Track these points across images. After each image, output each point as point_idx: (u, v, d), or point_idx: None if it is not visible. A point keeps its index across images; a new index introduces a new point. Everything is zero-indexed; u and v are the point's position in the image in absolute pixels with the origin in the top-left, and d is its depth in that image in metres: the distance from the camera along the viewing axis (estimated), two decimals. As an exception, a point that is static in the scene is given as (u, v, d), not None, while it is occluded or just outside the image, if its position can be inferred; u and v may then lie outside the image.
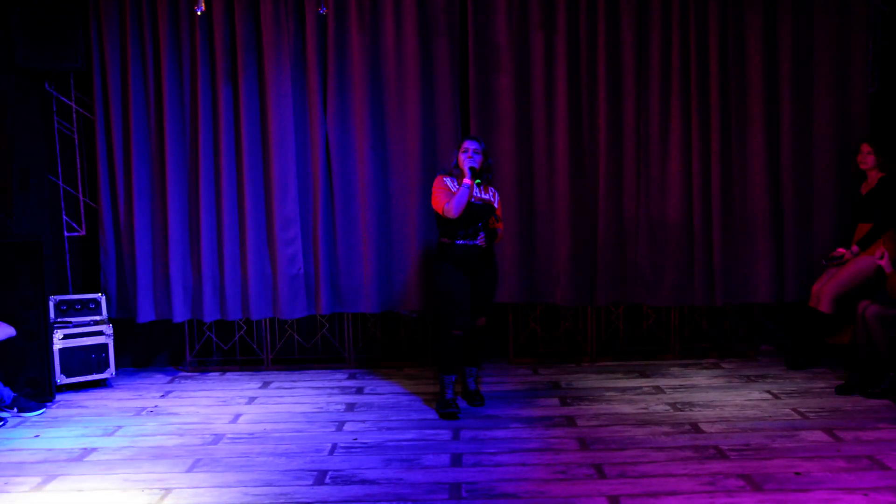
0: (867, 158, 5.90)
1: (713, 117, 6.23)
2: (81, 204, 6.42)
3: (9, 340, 5.34)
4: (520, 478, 4.07)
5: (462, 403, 5.33)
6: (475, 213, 5.11)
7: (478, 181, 5.09)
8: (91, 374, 5.98)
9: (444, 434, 4.77)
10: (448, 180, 5.18)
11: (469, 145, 5.17)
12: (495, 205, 5.27)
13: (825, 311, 5.86)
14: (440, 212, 5.10)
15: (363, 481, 4.08)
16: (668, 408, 5.23)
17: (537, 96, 6.25)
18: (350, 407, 5.41)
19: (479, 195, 5.20)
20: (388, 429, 4.90)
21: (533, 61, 6.22)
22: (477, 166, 5.10)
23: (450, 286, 5.12)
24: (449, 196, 5.08)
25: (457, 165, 5.17)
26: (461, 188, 5.05)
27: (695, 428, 4.80)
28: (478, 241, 5.15)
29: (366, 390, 5.83)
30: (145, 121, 6.21)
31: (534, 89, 6.24)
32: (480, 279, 5.21)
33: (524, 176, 6.31)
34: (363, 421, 5.07)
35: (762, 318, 6.69)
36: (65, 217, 6.41)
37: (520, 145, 6.28)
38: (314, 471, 4.23)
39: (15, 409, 5.30)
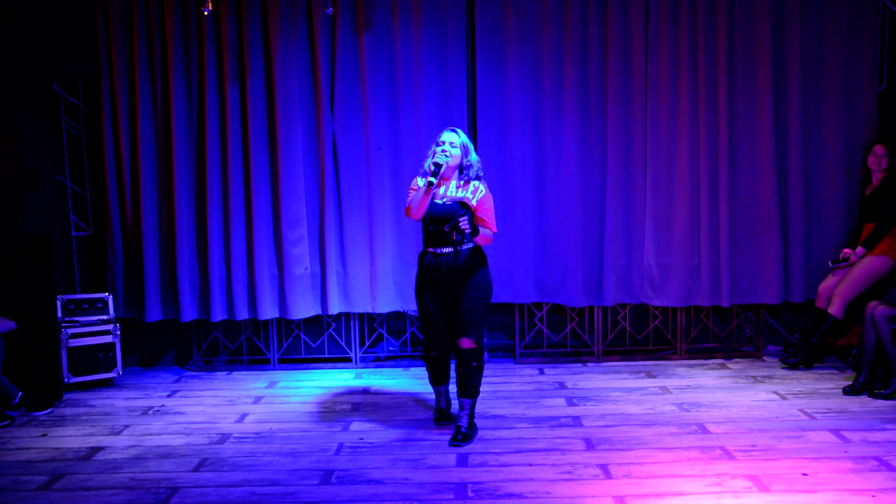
0: (882, 161, 5.85)
1: (721, 116, 6.21)
2: (89, 203, 6.44)
3: (16, 338, 5.35)
4: (526, 478, 4.07)
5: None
6: (438, 216, 4.54)
7: (432, 180, 4.42)
8: (98, 373, 6.00)
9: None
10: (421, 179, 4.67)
11: (445, 137, 4.59)
12: (473, 203, 4.56)
13: (837, 316, 5.83)
14: (405, 213, 4.64)
15: (369, 481, 4.08)
16: (674, 408, 5.22)
17: (546, 95, 6.23)
18: (356, 407, 5.41)
19: (450, 195, 4.58)
20: (394, 429, 4.90)
21: (541, 60, 6.22)
22: (444, 162, 4.46)
23: (420, 300, 4.74)
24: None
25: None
26: (421, 186, 4.50)
27: (701, 428, 4.79)
28: (444, 248, 4.57)
29: (372, 390, 5.83)
30: (152, 121, 6.22)
31: (543, 89, 6.23)
32: (459, 291, 4.58)
33: (532, 176, 6.30)
34: (369, 421, 5.08)
35: (769, 319, 6.67)
36: (72, 216, 6.43)
37: (527, 145, 6.27)
38: (320, 470, 4.24)
39: (23, 408, 5.33)
